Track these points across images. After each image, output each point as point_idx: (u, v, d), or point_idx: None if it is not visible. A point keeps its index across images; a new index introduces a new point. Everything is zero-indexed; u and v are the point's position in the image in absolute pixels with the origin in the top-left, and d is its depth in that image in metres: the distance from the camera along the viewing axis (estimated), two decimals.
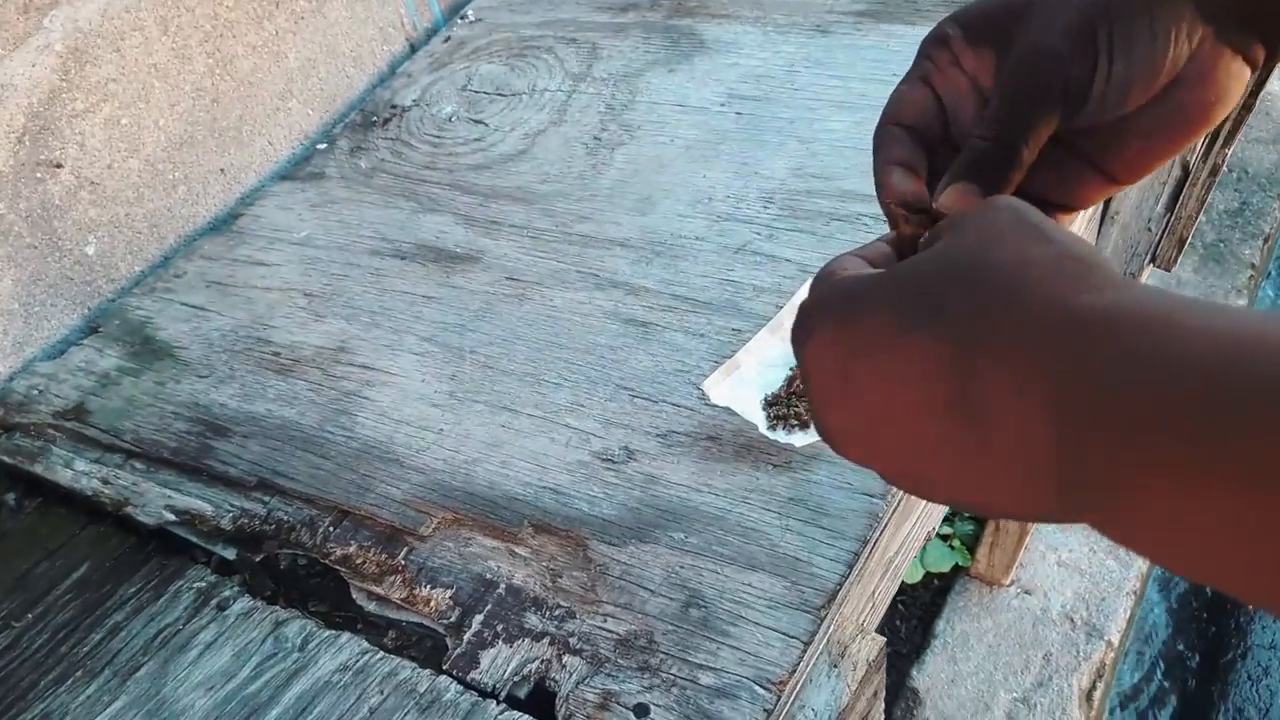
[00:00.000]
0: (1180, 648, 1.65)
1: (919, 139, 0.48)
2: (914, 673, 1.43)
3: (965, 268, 0.35)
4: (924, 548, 1.49)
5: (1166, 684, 1.61)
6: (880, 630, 1.47)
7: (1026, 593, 1.48)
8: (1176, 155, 0.51)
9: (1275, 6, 0.43)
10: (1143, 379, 0.28)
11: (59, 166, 0.94)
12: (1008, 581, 1.49)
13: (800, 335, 0.42)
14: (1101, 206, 1.06)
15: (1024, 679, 1.39)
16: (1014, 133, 0.44)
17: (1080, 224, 1.02)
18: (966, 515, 1.56)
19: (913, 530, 0.83)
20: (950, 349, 0.34)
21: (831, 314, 0.40)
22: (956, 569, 1.53)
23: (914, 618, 1.52)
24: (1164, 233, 1.04)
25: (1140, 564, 1.50)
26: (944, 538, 1.53)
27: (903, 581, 1.49)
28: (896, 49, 1.02)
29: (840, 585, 0.64)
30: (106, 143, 0.97)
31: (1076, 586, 1.47)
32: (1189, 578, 0.31)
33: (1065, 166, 0.48)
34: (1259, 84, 0.94)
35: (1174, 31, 0.43)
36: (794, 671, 0.61)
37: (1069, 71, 0.43)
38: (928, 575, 1.51)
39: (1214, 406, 0.26)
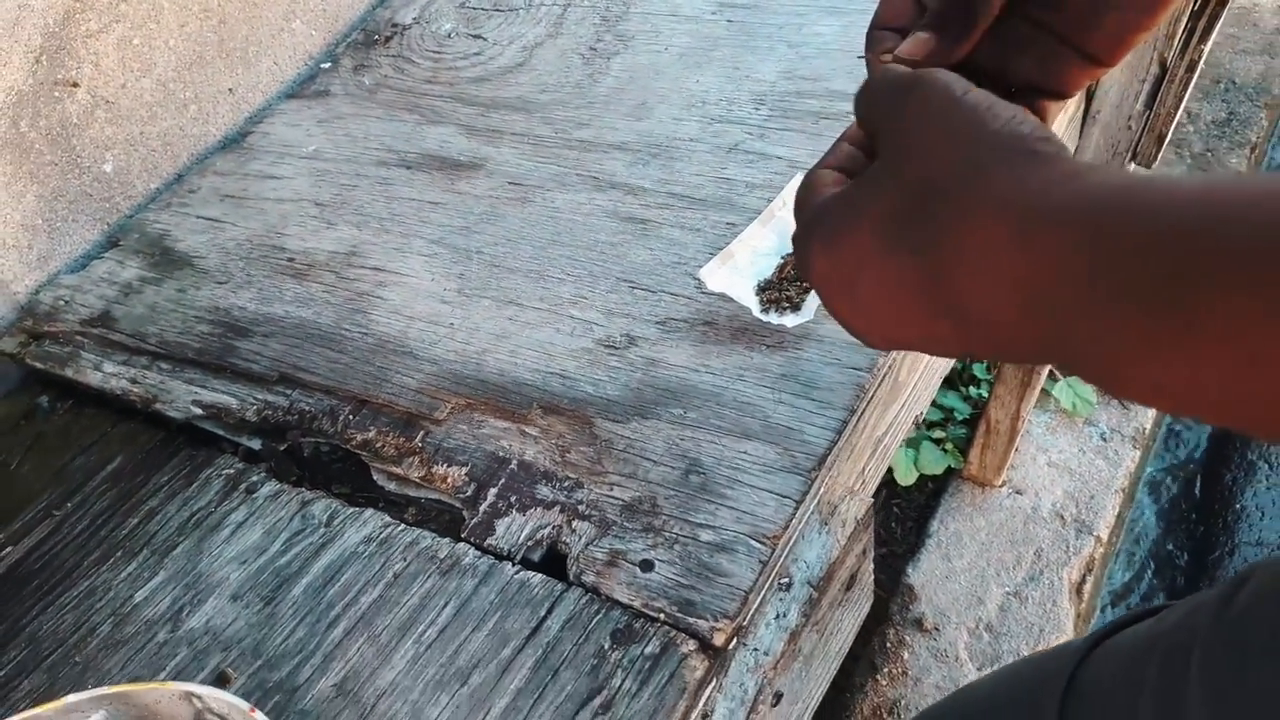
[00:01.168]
0: (1169, 547, 1.70)
1: (903, 37, 0.51)
2: (909, 570, 1.49)
3: (922, 181, 0.39)
4: (917, 450, 1.55)
5: (1156, 582, 1.67)
6: (877, 531, 1.52)
7: (1018, 492, 1.53)
8: (1154, 27, 0.54)
9: None
10: (1102, 273, 0.32)
11: (75, 85, 0.98)
12: (999, 482, 1.54)
13: (801, 262, 0.46)
14: (1083, 105, 1.10)
15: (1015, 574, 1.45)
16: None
17: (1062, 123, 1.05)
18: (960, 419, 1.61)
19: (900, 413, 0.87)
20: (929, 265, 0.38)
21: (821, 241, 0.44)
22: (950, 471, 1.58)
23: (909, 519, 1.57)
24: (1144, 130, 1.07)
25: (1128, 463, 1.55)
26: (937, 441, 1.58)
27: (898, 484, 1.54)
28: None
29: (829, 450, 0.68)
30: (120, 62, 1.01)
31: (1066, 485, 1.53)
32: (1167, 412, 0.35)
33: (1048, 51, 0.51)
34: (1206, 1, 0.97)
35: None
36: (787, 528, 0.66)
37: None
38: (922, 478, 1.56)
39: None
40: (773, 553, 0.65)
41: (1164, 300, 0.30)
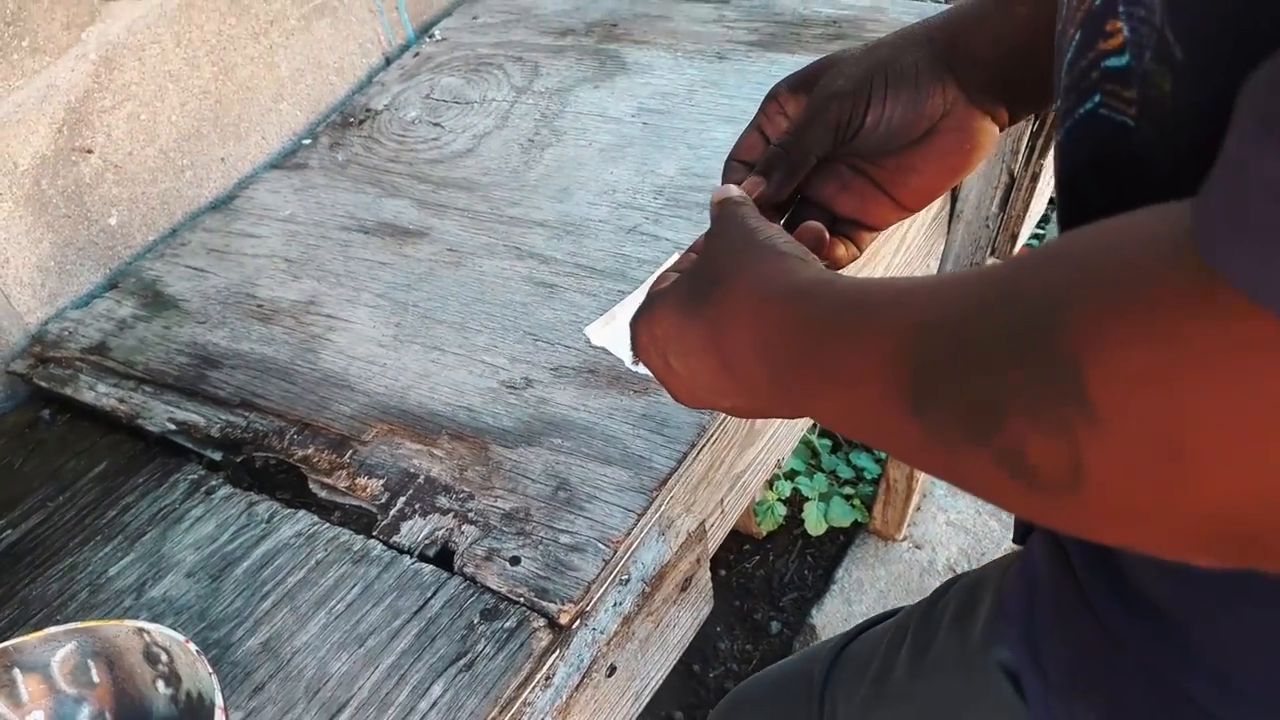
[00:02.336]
0: None
1: (750, 169, 0.70)
2: (814, 611, 1.64)
3: (709, 274, 0.57)
4: (828, 504, 1.71)
5: None
6: (789, 578, 1.68)
7: (917, 547, 1.69)
8: (949, 187, 0.72)
9: (1012, 81, 0.64)
10: (793, 337, 0.49)
11: (89, 152, 1.16)
12: (900, 537, 1.70)
13: (633, 337, 0.65)
14: (949, 206, 1.28)
15: None
16: (796, 146, 0.66)
17: (928, 221, 1.23)
18: (869, 478, 1.78)
19: (759, 455, 1.05)
20: (707, 330, 0.56)
21: (645, 319, 0.63)
22: (857, 525, 1.74)
23: (820, 567, 1.73)
24: (999, 228, 1.25)
25: None
26: (847, 497, 1.75)
27: (810, 534, 1.71)
28: (776, 72, 1.23)
29: (669, 475, 0.85)
30: (128, 134, 1.20)
31: (961, 543, 1.68)
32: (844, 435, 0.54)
33: (867, 194, 0.70)
34: (1043, 124, 1.16)
35: (932, 90, 0.64)
36: (629, 534, 0.83)
37: (843, 109, 0.65)
38: (832, 530, 1.73)
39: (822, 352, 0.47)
40: (614, 554, 0.82)
41: (812, 361, 0.47)
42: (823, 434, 1.84)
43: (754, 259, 0.56)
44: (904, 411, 0.40)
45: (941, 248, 1.31)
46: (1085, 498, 0.33)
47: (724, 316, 0.55)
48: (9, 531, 0.96)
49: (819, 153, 0.67)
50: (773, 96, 0.71)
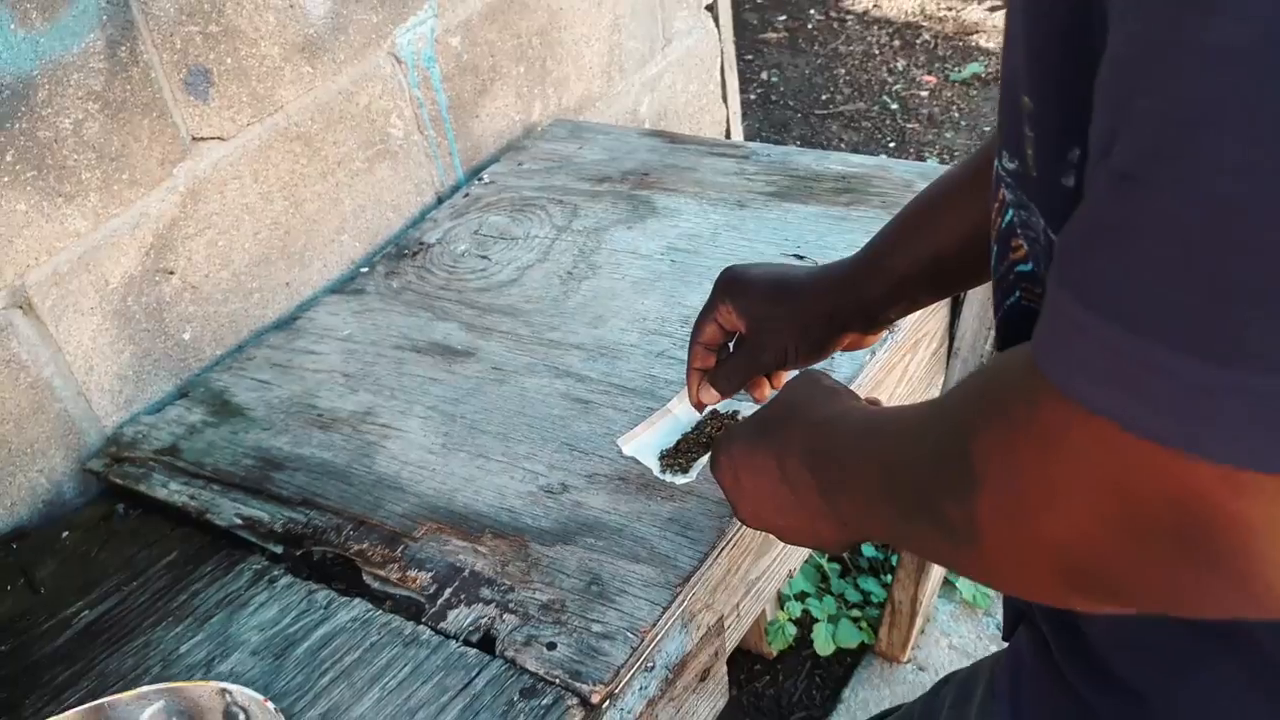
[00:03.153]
0: None
1: (710, 349, 0.95)
2: None
3: (782, 409, 0.74)
4: (836, 626, 1.78)
5: None
6: (799, 698, 1.74)
7: (920, 669, 1.76)
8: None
9: (879, 316, 0.88)
10: (831, 462, 0.64)
11: (171, 273, 1.29)
12: (905, 659, 1.77)
13: (713, 460, 0.84)
14: (948, 344, 1.40)
15: None
16: (731, 374, 0.90)
17: (926, 356, 1.35)
18: (876, 602, 1.85)
19: (773, 565, 1.14)
20: (775, 450, 0.70)
21: (725, 443, 0.82)
22: (864, 646, 1.81)
23: (828, 688, 1.79)
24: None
25: None
26: (854, 619, 1.82)
27: (819, 655, 1.78)
28: (791, 221, 1.37)
29: (693, 573, 0.95)
30: (206, 258, 1.33)
31: (962, 666, 1.75)
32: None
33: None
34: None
35: (837, 339, 0.91)
36: (654, 625, 0.92)
37: (769, 358, 0.89)
38: (840, 650, 1.80)
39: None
40: (642, 642, 0.91)
41: (831, 482, 0.64)
42: (832, 559, 1.92)
43: (821, 398, 0.71)
44: (890, 512, 0.57)
45: (941, 379, 1.42)
46: (983, 548, 0.46)
47: (789, 441, 0.71)
48: (86, 612, 1.05)
49: (749, 379, 0.95)
50: (720, 299, 0.93)
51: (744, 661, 1.85)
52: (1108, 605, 0.43)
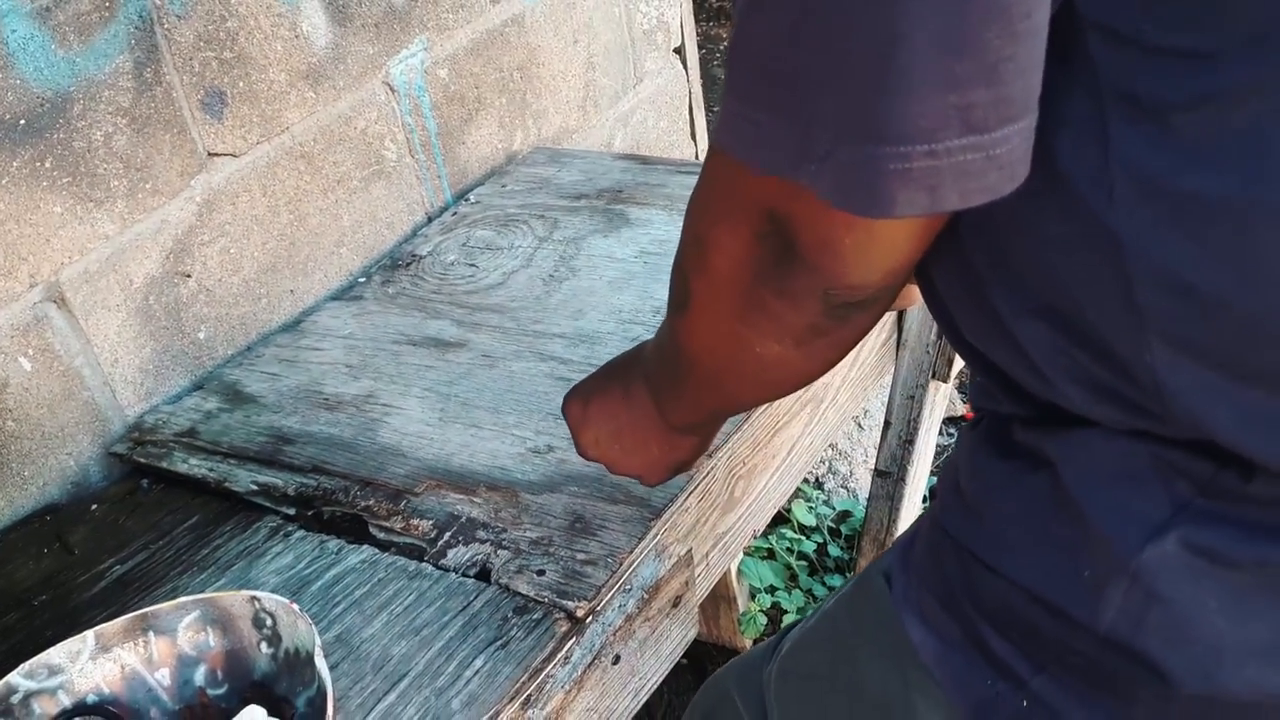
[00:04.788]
0: None
1: None
2: None
3: (623, 359, 0.95)
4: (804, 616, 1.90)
5: None
6: None
7: None
8: None
9: None
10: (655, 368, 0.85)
11: (188, 276, 1.42)
12: None
13: (565, 401, 1.00)
14: (896, 335, 1.54)
15: None
16: None
17: (877, 344, 1.48)
18: None
19: (739, 522, 1.26)
20: (620, 386, 0.92)
21: (575, 390, 0.99)
22: None
23: None
24: (938, 354, 1.50)
25: None
26: None
27: None
28: None
29: (664, 509, 1.07)
30: (220, 264, 1.46)
31: None
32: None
33: None
34: None
35: None
36: (631, 553, 1.04)
37: None
38: None
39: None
40: (619, 567, 1.03)
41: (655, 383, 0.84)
42: (800, 557, 2.04)
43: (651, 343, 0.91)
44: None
45: (891, 368, 1.56)
46: (695, 294, 0.71)
47: (630, 374, 0.92)
48: (118, 566, 1.17)
49: None
50: None
51: (719, 655, 1.95)
52: (804, 258, 0.60)
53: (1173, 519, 0.56)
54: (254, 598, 0.92)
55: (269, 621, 0.92)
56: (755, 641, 1.94)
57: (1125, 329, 0.54)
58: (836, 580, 1.99)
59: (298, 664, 0.91)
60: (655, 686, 1.12)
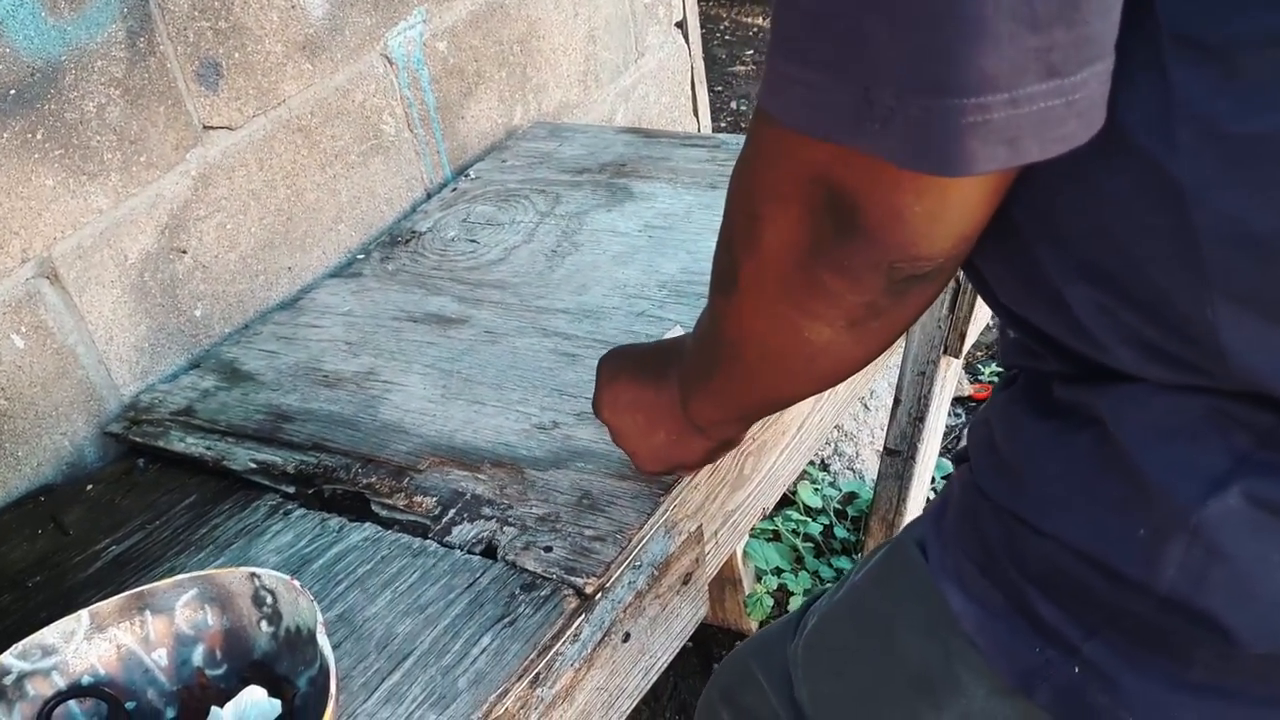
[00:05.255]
0: None
1: None
2: None
3: (657, 357, 0.94)
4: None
5: None
6: None
7: None
8: None
9: None
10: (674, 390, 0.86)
11: (184, 252, 1.39)
12: None
13: (597, 398, 0.99)
14: None
15: None
16: None
17: None
18: None
19: (748, 499, 1.23)
20: (651, 384, 0.90)
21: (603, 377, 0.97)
22: None
23: None
24: (950, 329, 1.47)
25: None
26: None
27: None
28: None
29: (673, 487, 1.04)
30: (216, 240, 1.43)
31: None
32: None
33: None
34: None
35: None
36: (640, 529, 1.01)
37: None
38: None
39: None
40: (629, 543, 1.00)
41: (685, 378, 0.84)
42: (806, 539, 2.02)
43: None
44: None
45: (903, 347, 1.54)
46: (742, 276, 0.66)
47: (664, 371, 0.91)
48: (114, 547, 1.14)
49: None
50: None
51: (724, 638, 1.93)
52: (866, 234, 0.56)
53: (1233, 472, 0.54)
54: (254, 574, 0.89)
55: (269, 599, 0.90)
56: (762, 624, 1.91)
57: (1185, 285, 0.51)
58: (844, 562, 1.97)
59: (299, 643, 0.88)
60: (665, 665, 1.09)
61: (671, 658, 1.10)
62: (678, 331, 1.20)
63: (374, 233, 1.65)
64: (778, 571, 1.93)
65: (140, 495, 1.22)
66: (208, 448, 1.23)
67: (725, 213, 0.68)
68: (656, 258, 1.42)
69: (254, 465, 1.19)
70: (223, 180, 1.42)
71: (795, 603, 1.87)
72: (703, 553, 1.10)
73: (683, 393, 0.86)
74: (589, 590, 0.96)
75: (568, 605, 0.95)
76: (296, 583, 0.87)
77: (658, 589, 1.03)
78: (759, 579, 1.91)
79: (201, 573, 0.90)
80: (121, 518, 1.18)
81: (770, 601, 1.89)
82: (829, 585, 1.89)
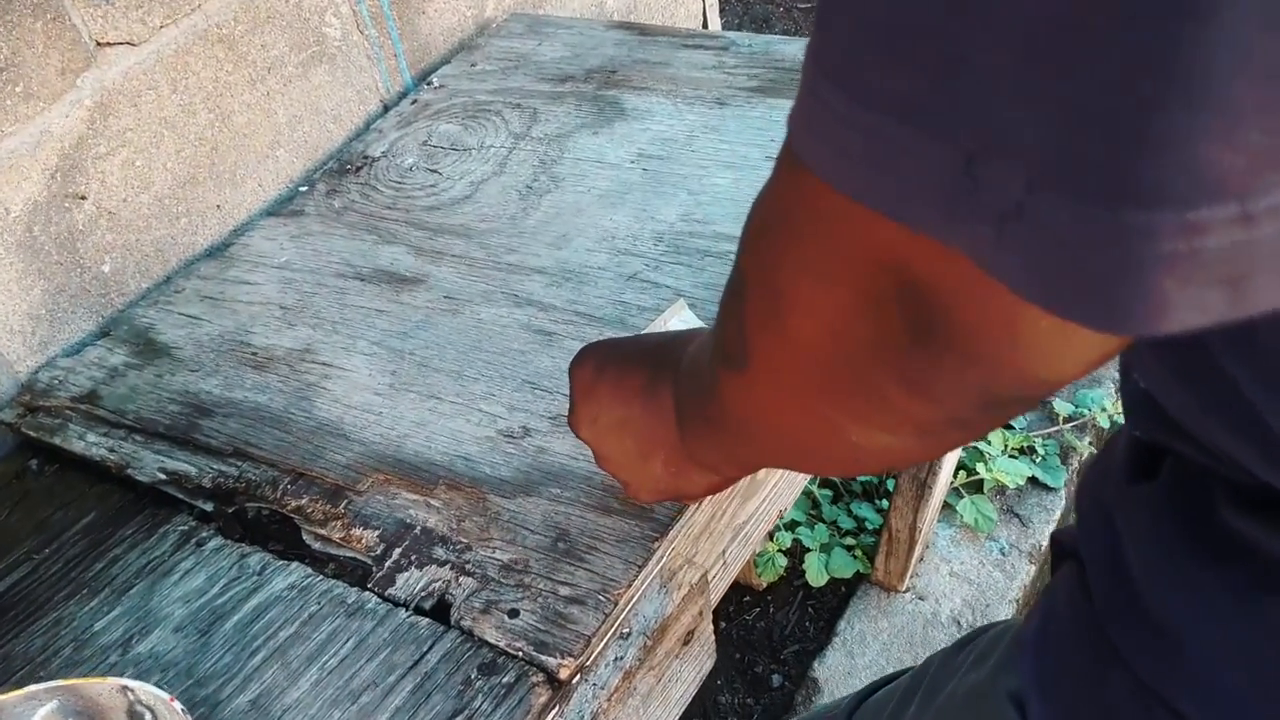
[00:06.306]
0: None
1: None
2: (816, 665, 1.61)
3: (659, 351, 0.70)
4: (829, 555, 1.69)
5: None
6: (790, 631, 1.65)
7: (920, 598, 1.66)
8: None
9: None
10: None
11: (83, 198, 1.15)
12: (904, 588, 1.67)
13: (575, 367, 0.76)
14: None
15: None
16: None
17: None
18: (871, 528, 1.75)
19: (761, 506, 1.02)
20: (644, 376, 0.68)
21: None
22: (859, 576, 1.71)
23: (822, 619, 1.70)
24: None
25: (1023, 576, 1.68)
26: (849, 548, 1.72)
27: (811, 586, 1.68)
28: (777, 119, 1.23)
29: (671, 524, 0.83)
30: (123, 181, 1.19)
31: (965, 594, 1.66)
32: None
33: None
34: None
35: None
36: (630, 586, 0.80)
37: None
38: (833, 581, 1.70)
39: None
40: (615, 607, 0.79)
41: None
42: (824, 484, 1.82)
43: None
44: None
45: None
46: (751, 356, 0.45)
47: (665, 368, 0.67)
48: None
49: None
50: None
51: (732, 594, 1.75)
52: (931, 315, 0.36)
53: None
54: (126, 688, 0.69)
55: (148, 717, 0.70)
56: (772, 586, 1.73)
57: None
58: (863, 509, 1.77)
59: None
60: None
61: None
62: (680, 310, 0.97)
63: (320, 156, 1.40)
64: (792, 526, 1.74)
65: (30, 509, 1.01)
66: (111, 449, 1.02)
67: (735, 266, 0.45)
68: (652, 198, 1.18)
69: (164, 476, 0.98)
70: (126, 108, 1.17)
71: (811, 561, 1.68)
72: (708, 602, 0.90)
73: (681, 429, 0.64)
74: (563, 675, 0.76)
75: (536, 699, 0.75)
76: (178, 704, 0.67)
77: (651, 660, 0.83)
78: (771, 536, 1.72)
79: (62, 683, 0.70)
80: (6, 542, 0.98)
81: (783, 561, 1.70)
82: (848, 538, 1.71)
